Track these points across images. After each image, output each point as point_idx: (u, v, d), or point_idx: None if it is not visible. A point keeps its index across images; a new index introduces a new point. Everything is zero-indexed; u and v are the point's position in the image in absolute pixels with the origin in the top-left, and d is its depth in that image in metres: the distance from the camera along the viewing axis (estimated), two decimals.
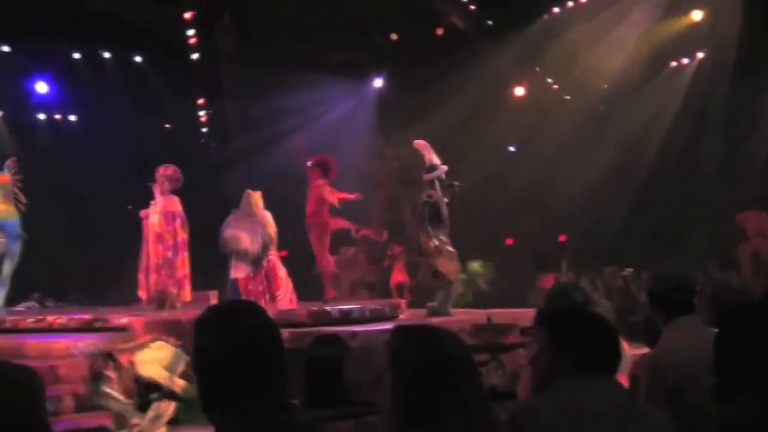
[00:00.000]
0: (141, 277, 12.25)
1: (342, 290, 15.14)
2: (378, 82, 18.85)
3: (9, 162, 12.41)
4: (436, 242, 11.94)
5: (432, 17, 17.56)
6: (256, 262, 12.26)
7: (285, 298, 12.39)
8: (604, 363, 2.81)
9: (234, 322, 2.17)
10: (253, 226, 12.42)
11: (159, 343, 7.88)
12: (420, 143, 12.62)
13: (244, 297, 11.77)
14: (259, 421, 2.06)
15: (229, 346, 2.10)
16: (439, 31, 17.75)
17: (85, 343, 10.06)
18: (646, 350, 4.76)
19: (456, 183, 12.33)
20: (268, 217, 12.67)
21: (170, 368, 7.42)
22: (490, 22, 17.46)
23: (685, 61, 17.85)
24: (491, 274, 16.24)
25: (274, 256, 12.66)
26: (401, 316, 12.23)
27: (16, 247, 11.92)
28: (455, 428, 2.33)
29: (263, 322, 2.20)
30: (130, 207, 17.58)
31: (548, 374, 2.83)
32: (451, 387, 2.36)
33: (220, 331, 2.14)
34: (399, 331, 2.55)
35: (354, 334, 8.52)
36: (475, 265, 15.89)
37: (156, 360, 7.53)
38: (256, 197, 12.74)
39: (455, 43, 17.02)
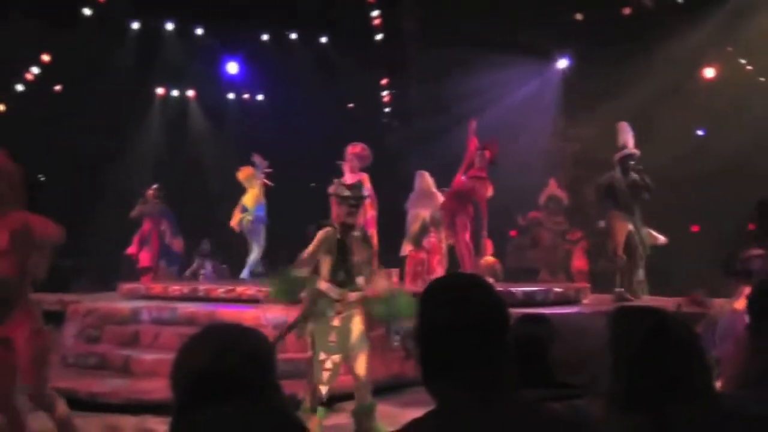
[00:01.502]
0: None
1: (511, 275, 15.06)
2: (562, 63, 18.57)
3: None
4: (604, 223, 11.74)
5: None
6: (417, 240, 12.36)
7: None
8: None
9: (462, 293, 2.18)
10: (426, 204, 12.55)
11: None
12: (622, 124, 12.26)
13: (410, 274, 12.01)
14: (482, 396, 2.06)
15: (458, 317, 2.10)
16: (626, 11, 17.26)
17: (273, 314, 10.39)
18: None
19: (640, 167, 11.93)
20: (440, 198, 12.74)
21: None
22: (680, 1, 16.83)
23: None
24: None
25: (435, 237, 12.69)
26: (585, 301, 12.03)
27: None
28: (680, 413, 2.27)
29: (490, 295, 2.19)
30: (313, 184, 18.00)
31: None
32: (676, 370, 2.29)
33: (450, 303, 2.15)
34: (621, 311, 2.50)
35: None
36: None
37: None
38: (429, 177, 12.87)
39: (643, 23, 16.48)
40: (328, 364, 7.02)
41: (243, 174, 14.83)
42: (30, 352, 5.66)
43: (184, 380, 2.08)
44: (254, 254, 14.84)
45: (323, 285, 7.12)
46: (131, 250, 15.87)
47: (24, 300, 5.69)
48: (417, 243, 12.45)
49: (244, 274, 14.68)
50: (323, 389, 7.03)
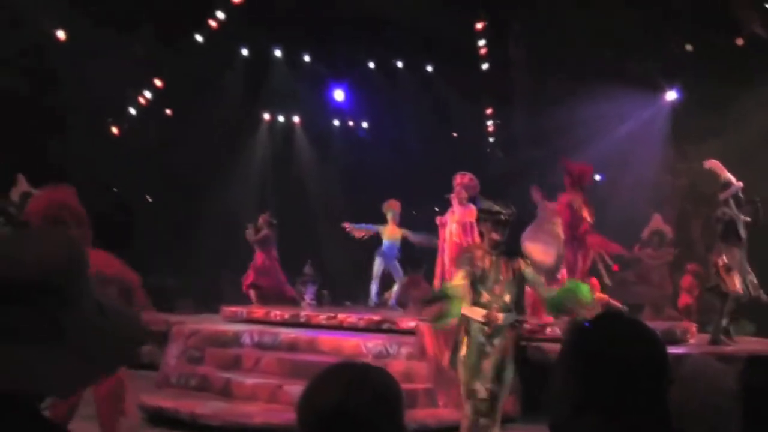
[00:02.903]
0: (436, 283, 12.19)
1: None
2: (671, 95, 18.15)
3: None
4: (725, 259, 11.30)
5: (732, 26, 16.64)
6: (550, 273, 12.02)
7: None
8: None
9: (632, 330, 2.08)
10: (548, 238, 12.30)
11: None
12: (712, 163, 11.90)
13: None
14: None
15: (627, 355, 2.01)
16: (740, 42, 16.81)
17: (374, 343, 10.37)
18: None
19: (757, 199, 11.57)
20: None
21: None
22: None
23: None
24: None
25: None
26: (691, 341, 11.65)
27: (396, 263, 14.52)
28: None
29: (653, 334, 2.08)
30: (414, 213, 18.02)
31: None
32: None
33: (619, 339, 2.05)
34: (754, 361, 2.37)
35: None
36: None
37: None
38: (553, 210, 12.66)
39: (758, 54, 16.00)
40: (482, 394, 6.81)
41: (393, 205, 14.56)
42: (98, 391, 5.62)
43: (311, 419, 2.05)
44: (396, 285, 14.71)
45: (466, 309, 6.90)
46: (249, 281, 15.41)
47: None
48: (551, 276, 12.16)
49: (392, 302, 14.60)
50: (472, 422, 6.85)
